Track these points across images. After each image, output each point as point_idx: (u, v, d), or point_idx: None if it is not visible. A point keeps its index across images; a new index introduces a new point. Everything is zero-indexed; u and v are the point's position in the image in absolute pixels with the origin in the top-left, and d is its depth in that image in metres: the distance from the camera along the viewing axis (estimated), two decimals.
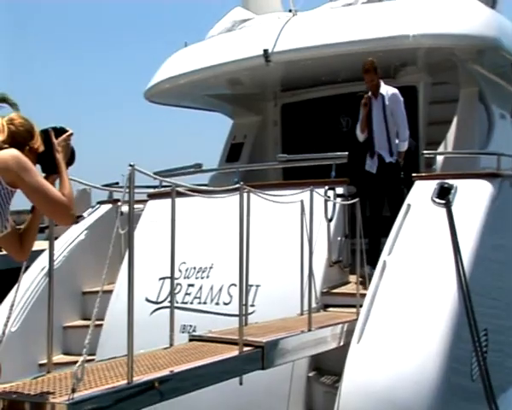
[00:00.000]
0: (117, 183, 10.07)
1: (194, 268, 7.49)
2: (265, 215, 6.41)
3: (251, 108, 11.92)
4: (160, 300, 7.34)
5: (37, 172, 3.50)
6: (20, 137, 3.56)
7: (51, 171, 3.69)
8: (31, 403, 3.27)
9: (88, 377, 3.57)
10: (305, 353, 5.82)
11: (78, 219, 9.26)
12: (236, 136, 11.97)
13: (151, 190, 9.22)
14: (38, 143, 3.65)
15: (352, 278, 7.54)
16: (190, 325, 6.78)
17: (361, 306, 5.94)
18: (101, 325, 7.17)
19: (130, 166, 3.71)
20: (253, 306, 6.62)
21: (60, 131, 3.80)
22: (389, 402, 5.11)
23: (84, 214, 9.40)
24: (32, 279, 7.52)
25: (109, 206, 9.39)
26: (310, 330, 5.59)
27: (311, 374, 6.55)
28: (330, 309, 7.00)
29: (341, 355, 5.63)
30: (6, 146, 3.46)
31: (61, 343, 7.95)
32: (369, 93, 8.21)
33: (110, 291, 7.30)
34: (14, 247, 3.71)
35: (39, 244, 4.59)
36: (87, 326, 7.93)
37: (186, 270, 7.47)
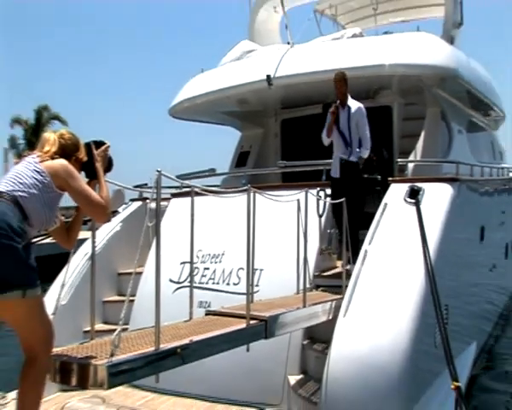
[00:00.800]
0: (145, 184, 10.09)
1: (209, 254, 7.49)
2: (268, 212, 6.40)
3: (256, 123, 11.93)
4: (180, 280, 7.35)
5: (81, 178, 3.63)
6: (68, 149, 3.66)
7: (93, 176, 3.79)
8: (78, 364, 3.31)
9: (123, 344, 3.59)
10: (301, 325, 5.82)
11: (114, 213, 9.29)
12: (244, 145, 12.01)
13: (173, 190, 9.24)
14: (83, 155, 3.75)
15: (339, 263, 7.53)
16: (206, 302, 6.77)
17: (346, 286, 5.93)
18: (133, 301, 7.18)
19: (158, 171, 3.72)
20: (257, 286, 6.62)
21: (99, 144, 3.89)
22: (369, 365, 5.12)
23: (119, 210, 9.42)
24: (77, 263, 7.53)
25: (139, 203, 9.39)
26: (304, 306, 5.58)
27: (305, 342, 6.55)
28: (321, 289, 6.97)
29: (330, 327, 5.62)
30: (57, 156, 3.56)
31: (101, 315, 7.96)
32: (338, 102, 7.54)
33: (140, 273, 7.31)
34: (63, 237, 3.79)
35: (83, 234, 4.61)
36: (122, 301, 8.01)
37: (202, 256, 7.47)
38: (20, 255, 3.16)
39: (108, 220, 3.91)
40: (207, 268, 7.40)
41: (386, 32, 10.68)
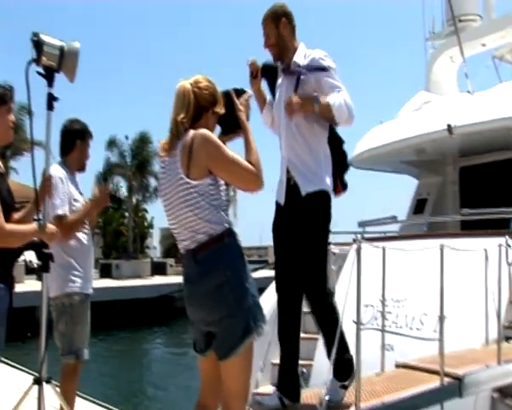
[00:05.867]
0: None
1: (392, 299, 6.84)
2: (452, 259, 5.67)
3: (433, 171, 11.09)
4: (363, 322, 6.80)
5: (223, 150, 2.65)
6: (204, 101, 2.73)
7: (230, 130, 2.92)
8: None
9: None
10: (496, 383, 4.97)
11: None
12: (421, 193, 11.18)
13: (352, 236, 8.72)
14: (221, 107, 2.82)
15: None
16: (389, 344, 6.12)
17: None
18: (317, 339, 6.77)
19: (354, 241, 3.28)
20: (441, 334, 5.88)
21: (240, 92, 2.99)
22: None
23: None
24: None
25: None
26: (499, 362, 4.76)
27: (495, 395, 5.63)
28: None
29: None
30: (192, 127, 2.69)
31: None
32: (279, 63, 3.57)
33: None
34: None
35: None
36: (307, 338, 7.60)
37: (385, 300, 6.88)
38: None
39: (261, 188, 2.75)
40: (390, 312, 6.76)
41: None
